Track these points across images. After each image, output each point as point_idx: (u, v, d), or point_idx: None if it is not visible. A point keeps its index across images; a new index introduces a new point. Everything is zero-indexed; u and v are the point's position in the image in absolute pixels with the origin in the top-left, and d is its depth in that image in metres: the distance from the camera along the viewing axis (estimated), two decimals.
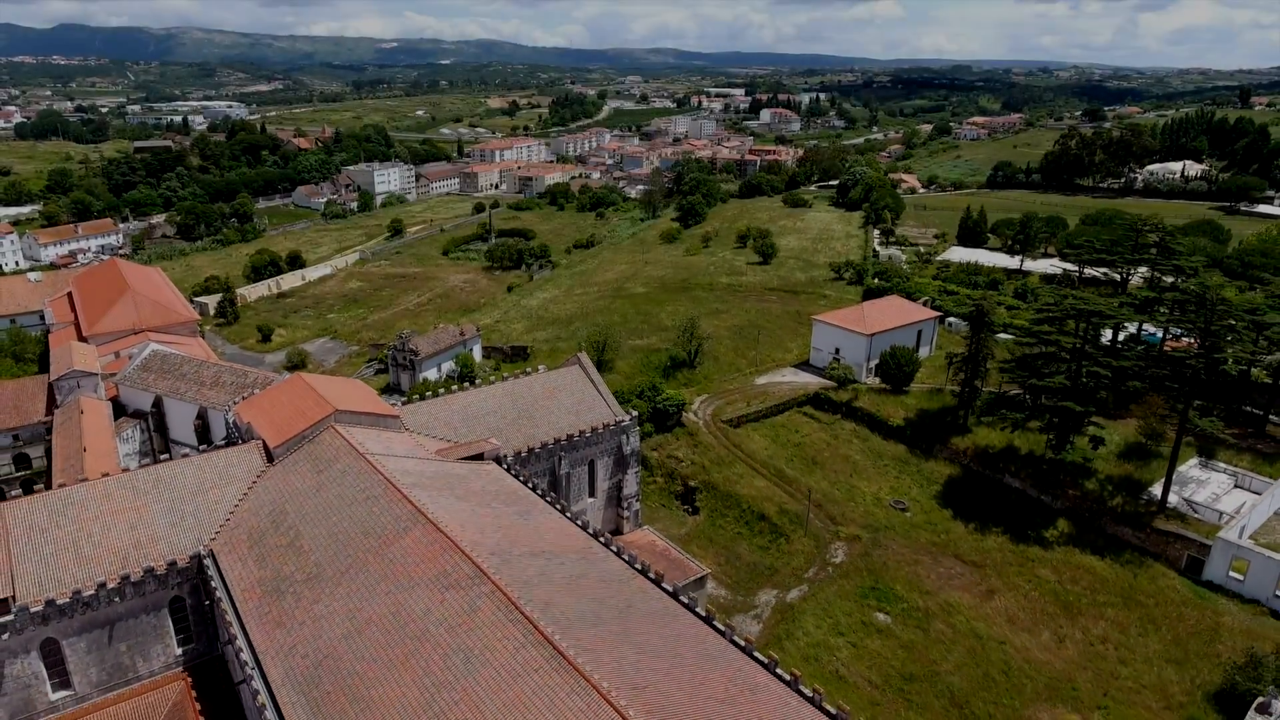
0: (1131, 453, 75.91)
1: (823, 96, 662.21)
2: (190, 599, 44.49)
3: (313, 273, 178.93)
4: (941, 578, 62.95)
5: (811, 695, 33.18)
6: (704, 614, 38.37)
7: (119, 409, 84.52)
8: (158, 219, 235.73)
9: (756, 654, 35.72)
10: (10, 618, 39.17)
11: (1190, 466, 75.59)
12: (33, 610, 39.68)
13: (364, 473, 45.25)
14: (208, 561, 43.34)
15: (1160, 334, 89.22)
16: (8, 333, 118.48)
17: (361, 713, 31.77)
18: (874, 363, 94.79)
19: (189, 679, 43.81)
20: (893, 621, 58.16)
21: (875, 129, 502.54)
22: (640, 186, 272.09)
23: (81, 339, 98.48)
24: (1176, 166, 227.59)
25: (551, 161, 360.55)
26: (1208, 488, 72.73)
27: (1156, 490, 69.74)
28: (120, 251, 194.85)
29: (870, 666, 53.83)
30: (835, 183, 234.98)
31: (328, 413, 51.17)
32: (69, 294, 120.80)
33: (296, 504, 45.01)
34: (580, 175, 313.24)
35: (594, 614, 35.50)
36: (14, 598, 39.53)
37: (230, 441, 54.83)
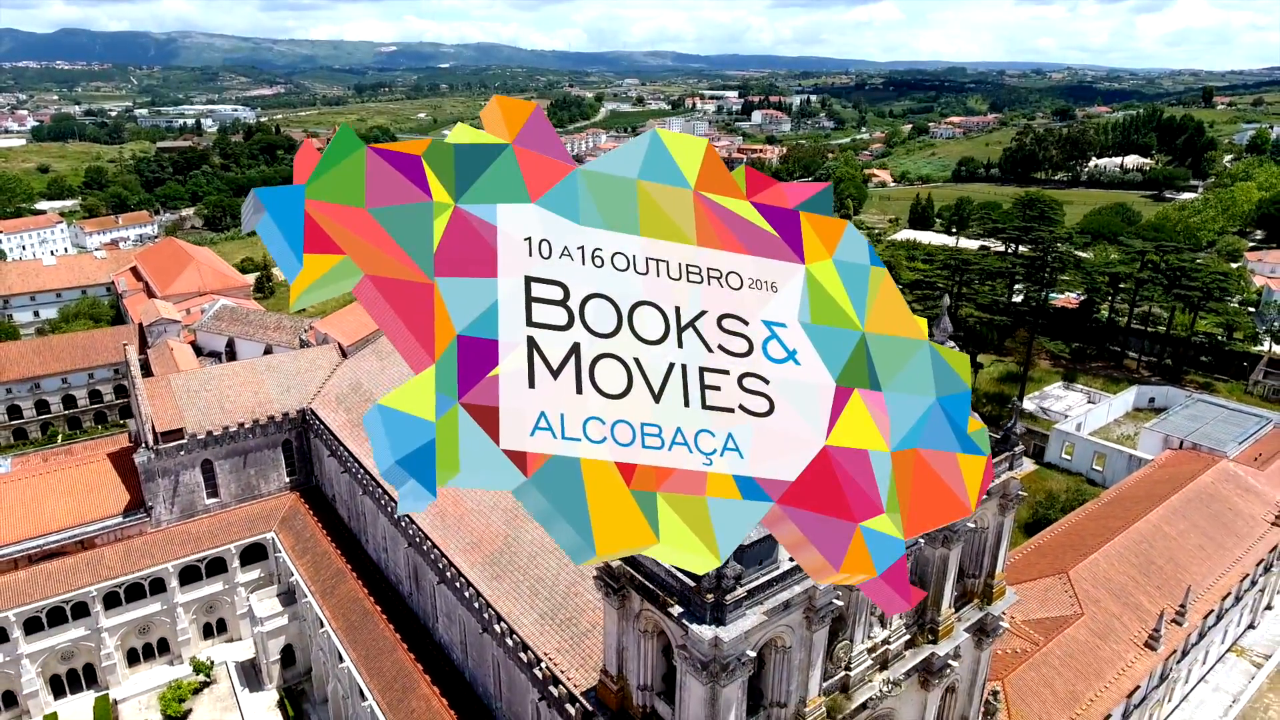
0: (1007, 378, 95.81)
1: (814, 98, 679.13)
2: (296, 443, 64.05)
3: None
4: None
5: None
6: None
7: (196, 351, 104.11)
8: (186, 212, 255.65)
9: None
10: (184, 441, 58.76)
11: (1055, 388, 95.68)
12: (198, 438, 59.28)
13: None
14: (310, 415, 62.94)
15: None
16: (80, 301, 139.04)
17: None
18: None
19: (297, 494, 63.43)
20: None
21: (864, 129, 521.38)
22: None
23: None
24: (1120, 160, 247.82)
25: None
26: (1064, 401, 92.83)
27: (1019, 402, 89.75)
28: (156, 239, 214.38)
29: None
30: (811, 177, 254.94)
31: None
32: (133, 268, 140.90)
33: (369, 378, 64.60)
34: None
35: None
36: (185, 429, 59.09)
37: None
